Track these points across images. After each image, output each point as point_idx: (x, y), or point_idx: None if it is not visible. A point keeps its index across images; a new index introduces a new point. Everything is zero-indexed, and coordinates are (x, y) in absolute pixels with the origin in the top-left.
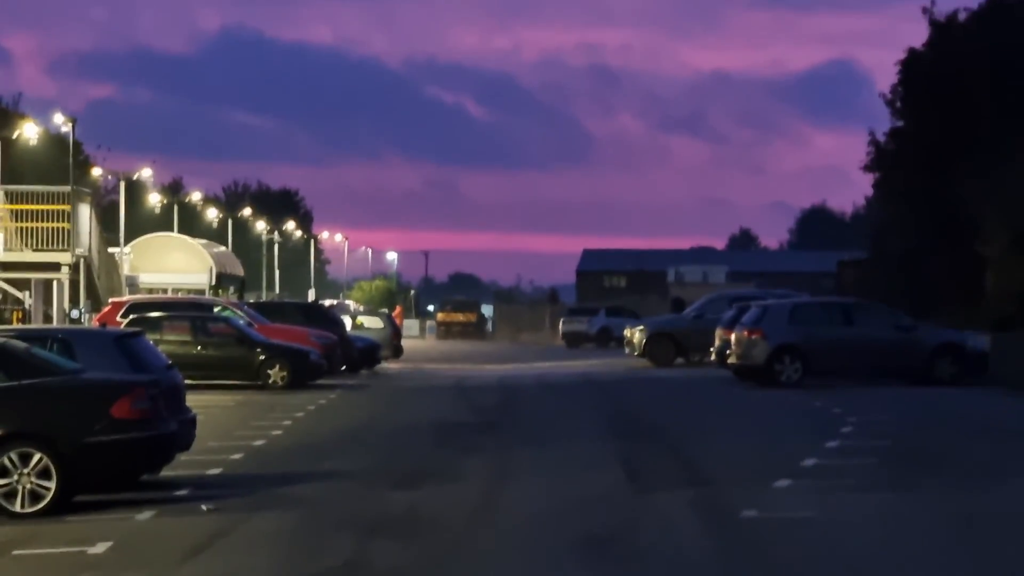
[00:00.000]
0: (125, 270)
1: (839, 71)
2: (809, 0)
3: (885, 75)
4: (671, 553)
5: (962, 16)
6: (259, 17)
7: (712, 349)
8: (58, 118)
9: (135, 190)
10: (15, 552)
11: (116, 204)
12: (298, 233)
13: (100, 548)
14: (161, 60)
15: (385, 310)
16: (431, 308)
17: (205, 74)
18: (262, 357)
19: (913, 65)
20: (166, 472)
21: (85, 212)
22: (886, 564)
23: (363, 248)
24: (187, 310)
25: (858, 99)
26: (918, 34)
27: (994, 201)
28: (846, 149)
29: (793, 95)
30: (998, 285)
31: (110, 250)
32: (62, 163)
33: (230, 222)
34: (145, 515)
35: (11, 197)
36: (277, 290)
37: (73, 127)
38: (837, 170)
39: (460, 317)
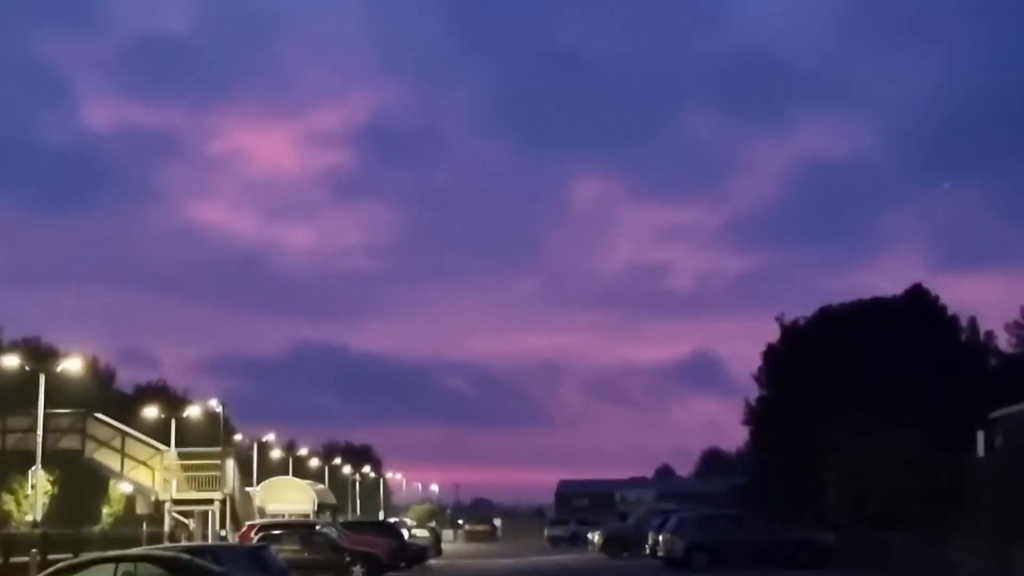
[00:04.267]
0: (256, 502)
1: (706, 359)
2: (690, 310)
3: (743, 361)
4: None
5: (801, 322)
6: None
7: (647, 546)
8: (212, 402)
9: (264, 448)
10: None
11: (251, 457)
12: (372, 474)
13: None
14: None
15: (432, 523)
16: (460, 522)
17: (292, 368)
18: (347, 558)
19: (770, 354)
20: None
21: (231, 464)
22: None
23: (416, 483)
24: (298, 528)
25: (724, 378)
26: (767, 334)
27: (829, 443)
28: (720, 409)
29: (674, 377)
30: (836, 500)
31: (246, 489)
32: (215, 432)
33: (326, 468)
34: None
35: (182, 456)
36: (358, 512)
37: (224, 408)
38: (717, 423)
39: (480, 528)
